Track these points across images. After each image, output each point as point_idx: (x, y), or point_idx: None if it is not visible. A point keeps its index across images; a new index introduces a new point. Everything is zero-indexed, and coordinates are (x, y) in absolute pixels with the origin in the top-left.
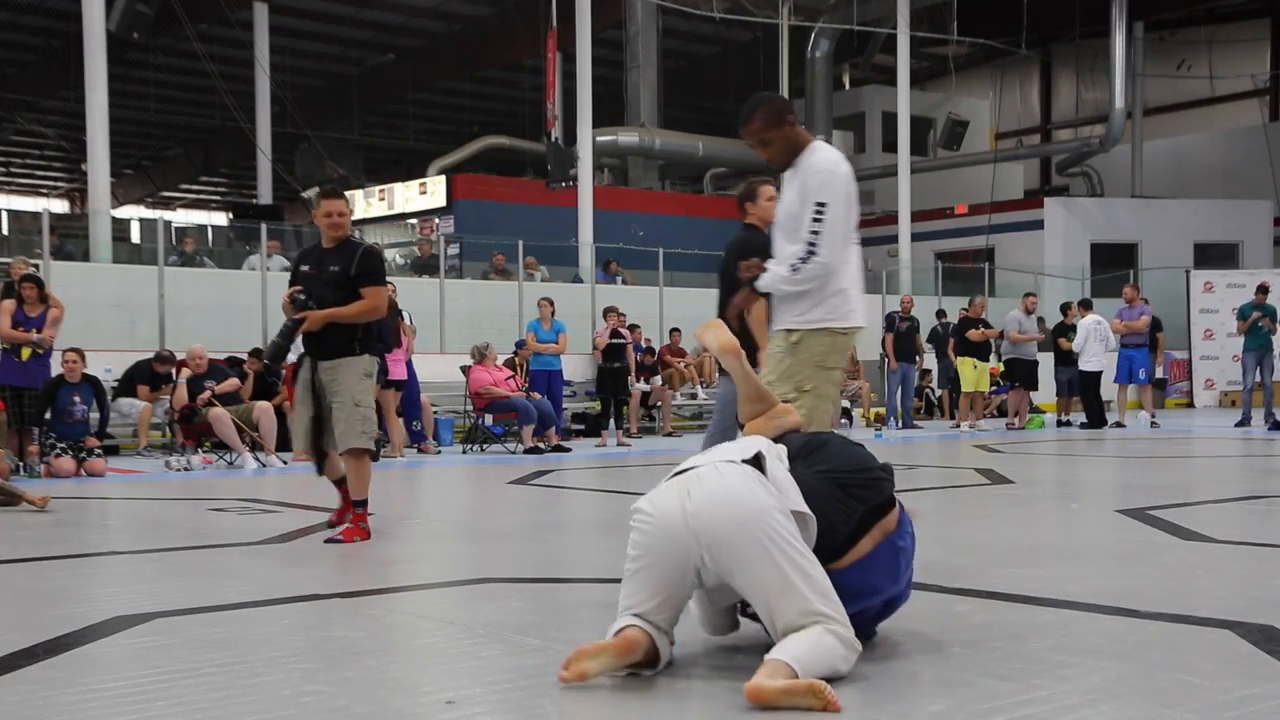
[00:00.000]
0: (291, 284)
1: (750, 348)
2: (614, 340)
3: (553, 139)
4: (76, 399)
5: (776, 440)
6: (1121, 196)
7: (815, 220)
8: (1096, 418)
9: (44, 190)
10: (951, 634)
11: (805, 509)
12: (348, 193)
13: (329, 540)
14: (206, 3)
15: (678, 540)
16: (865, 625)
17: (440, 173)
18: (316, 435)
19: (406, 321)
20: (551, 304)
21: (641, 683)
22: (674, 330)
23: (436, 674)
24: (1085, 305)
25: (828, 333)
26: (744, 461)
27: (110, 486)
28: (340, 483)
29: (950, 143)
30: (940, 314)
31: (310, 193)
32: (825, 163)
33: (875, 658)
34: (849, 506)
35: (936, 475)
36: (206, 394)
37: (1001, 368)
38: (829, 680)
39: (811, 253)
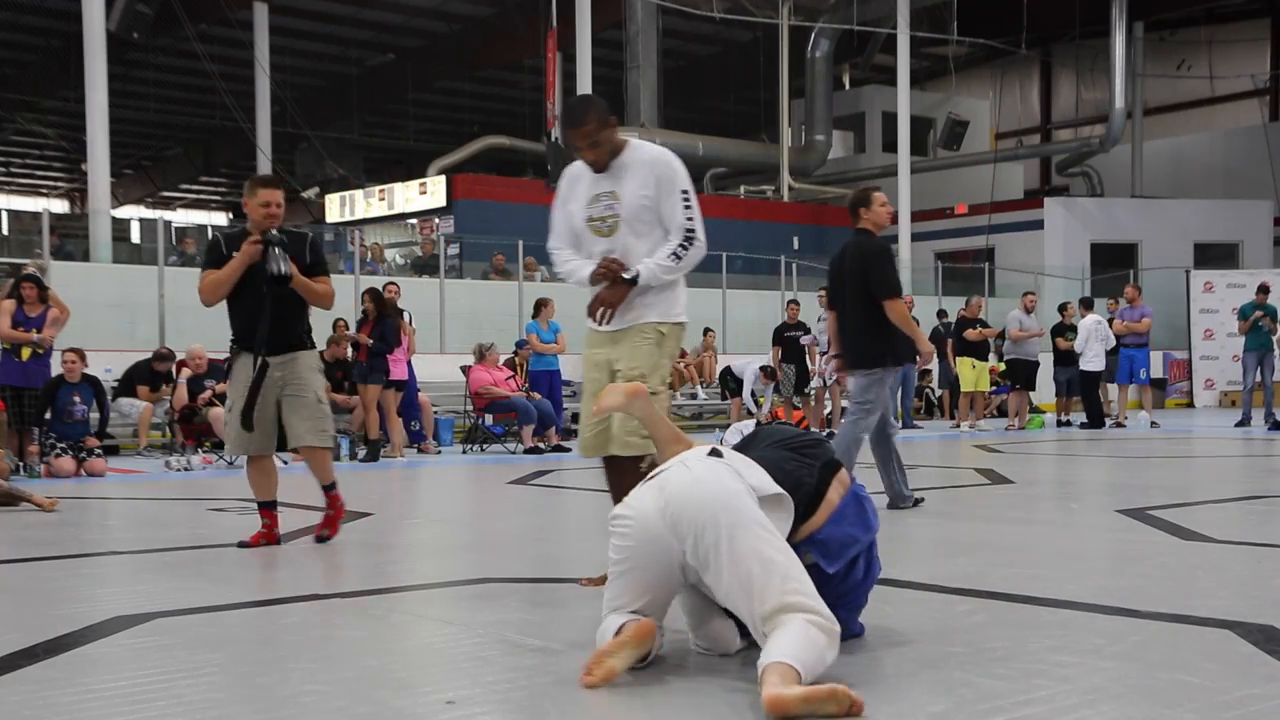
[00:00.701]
0: (209, 267)
1: (908, 343)
2: None
3: (553, 139)
4: (76, 399)
5: None
6: (1121, 196)
7: (686, 207)
8: (1096, 418)
9: (44, 190)
10: (951, 634)
11: (776, 489)
12: (347, 193)
13: (319, 539)
14: (206, 3)
15: (658, 539)
16: (857, 591)
17: (440, 173)
18: (264, 434)
19: (407, 321)
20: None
21: (638, 681)
22: None
23: (436, 674)
24: (1086, 305)
25: (681, 327)
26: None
27: (110, 486)
28: (267, 506)
29: (950, 143)
30: (941, 314)
31: (310, 192)
32: (664, 154)
33: (875, 657)
34: (807, 463)
35: (936, 475)
36: (207, 394)
37: (1002, 367)
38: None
39: (691, 238)
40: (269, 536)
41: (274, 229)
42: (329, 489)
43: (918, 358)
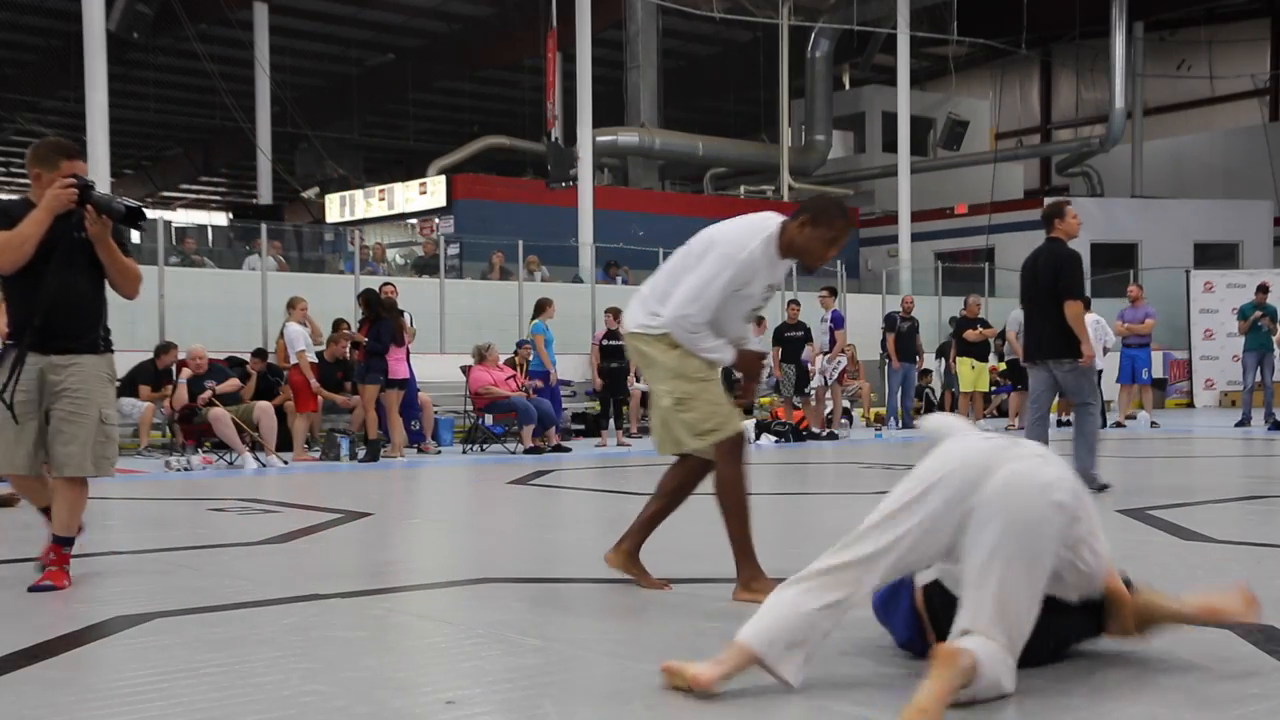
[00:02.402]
0: None
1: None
2: (609, 342)
3: (553, 139)
4: None
5: None
6: (1121, 196)
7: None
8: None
9: None
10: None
11: (1090, 567)
12: (347, 193)
13: (33, 589)
14: (206, 3)
15: (970, 482)
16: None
17: (440, 173)
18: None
19: (407, 322)
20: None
21: (642, 680)
22: None
23: (436, 674)
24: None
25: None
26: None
27: (110, 486)
28: (49, 510)
29: (950, 143)
30: (954, 321)
31: (310, 192)
32: None
33: (876, 658)
34: None
35: None
36: (207, 394)
37: (1002, 367)
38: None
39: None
40: (62, 575)
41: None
42: (63, 542)
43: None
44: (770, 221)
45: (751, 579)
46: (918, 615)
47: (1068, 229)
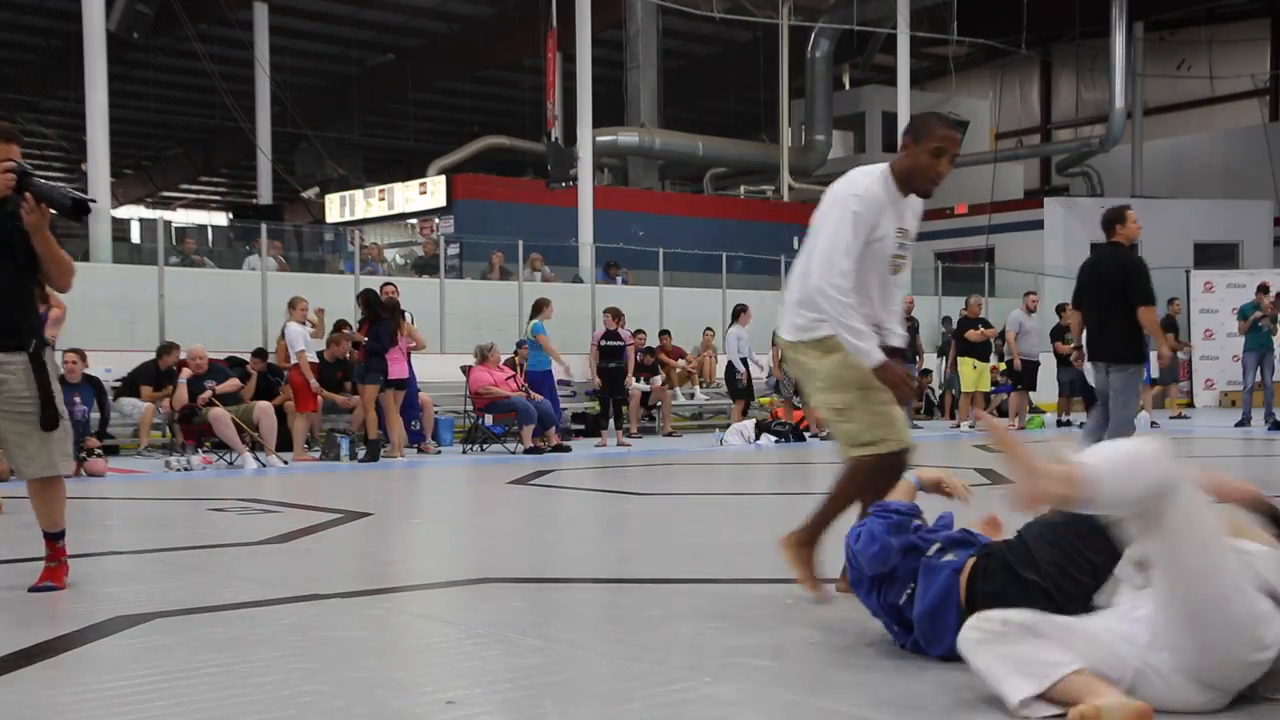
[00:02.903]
0: None
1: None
2: (608, 343)
3: (553, 139)
4: (77, 400)
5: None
6: (1121, 196)
7: None
8: None
9: None
10: None
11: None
12: (347, 193)
13: (34, 589)
14: (206, 3)
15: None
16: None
17: (440, 173)
18: None
19: (408, 321)
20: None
21: (642, 680)
22: (664, 333)
23: (436, 674)
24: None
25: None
26: None
27: (110, 486)
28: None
29: None
30: (947, 321)
31: (310, 192)
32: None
33: (876, 656)
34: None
35: None
36: (207, 394)
37: (1003, 367)
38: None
39: None
40: (62, 570)
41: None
42: (55, 538)
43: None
44: (879, 166)
45: (800, 543)
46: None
47: (1129, 233)
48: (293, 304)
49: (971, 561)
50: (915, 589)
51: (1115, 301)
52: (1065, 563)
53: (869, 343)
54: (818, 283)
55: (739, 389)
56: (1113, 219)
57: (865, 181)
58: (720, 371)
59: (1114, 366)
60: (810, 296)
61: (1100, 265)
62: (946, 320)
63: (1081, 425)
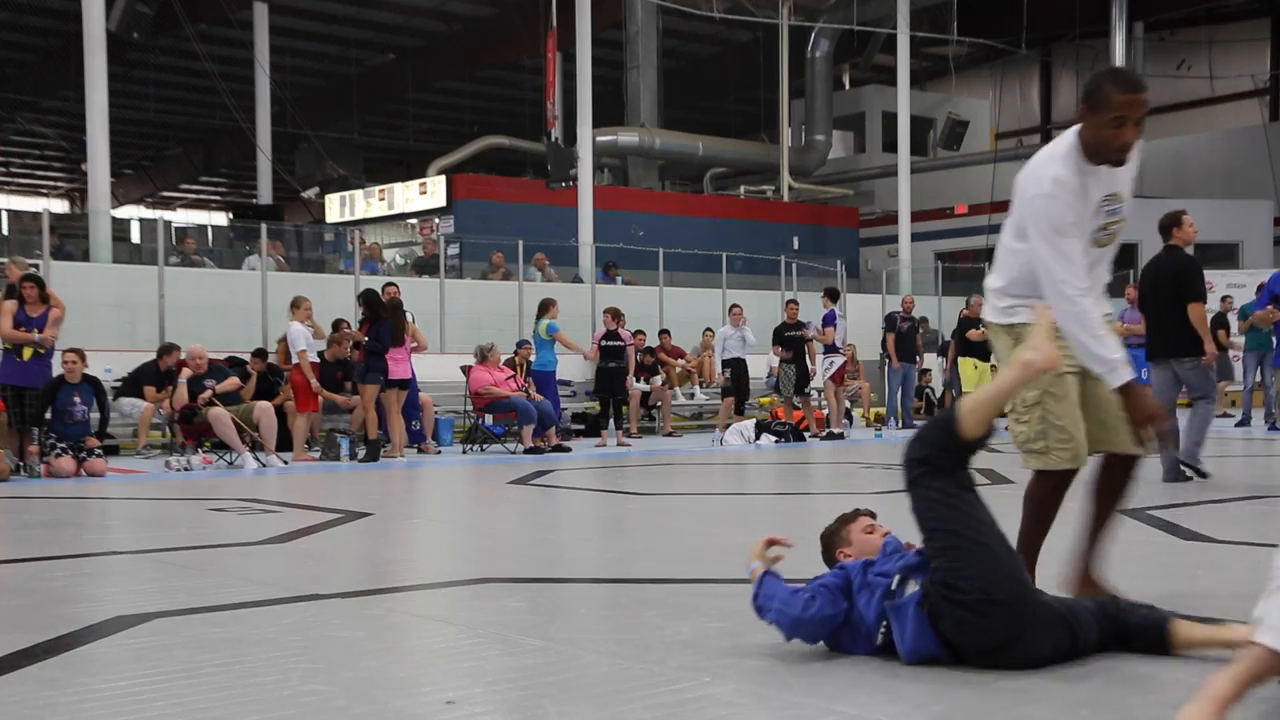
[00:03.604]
0: None
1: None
2: (607, 343)
3: (553, 139)
4: (77, 399)
5: None
6: None
7: None
8: None
9: (44, 190)
10: None
11: None
12: (347, 193)
13: None
14: (206, 3)
15: None
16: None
17: (440, 173)
18: None
19: (410, 321)
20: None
21: (642, 680)
22: (664, 332)
23: (436, 674)
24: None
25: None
26: None
27: (110, 486)
28: None
29: (950, 143)
30: (924, 322)
31: (310, 192)
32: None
33: (874, 657)
34: None
35: None
36: (207, 394)
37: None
38: None
39: None
40: None
41: None
42: None
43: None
44: (1066, 137)
45: (1078, 580)
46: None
47: (1185, 236)
48: (297, 303)
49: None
50: (889, 629)
51: (1171, 302)
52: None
53: (1110, 352)
54: (1053, 296)
55: (725, 387)
56: (1169, 223)
57: (1049, 175)
58: (719, 371)
59: (1175, 360)
60: (1007, 288)
61: (1158, 269)
62: (924, 321)
63: None
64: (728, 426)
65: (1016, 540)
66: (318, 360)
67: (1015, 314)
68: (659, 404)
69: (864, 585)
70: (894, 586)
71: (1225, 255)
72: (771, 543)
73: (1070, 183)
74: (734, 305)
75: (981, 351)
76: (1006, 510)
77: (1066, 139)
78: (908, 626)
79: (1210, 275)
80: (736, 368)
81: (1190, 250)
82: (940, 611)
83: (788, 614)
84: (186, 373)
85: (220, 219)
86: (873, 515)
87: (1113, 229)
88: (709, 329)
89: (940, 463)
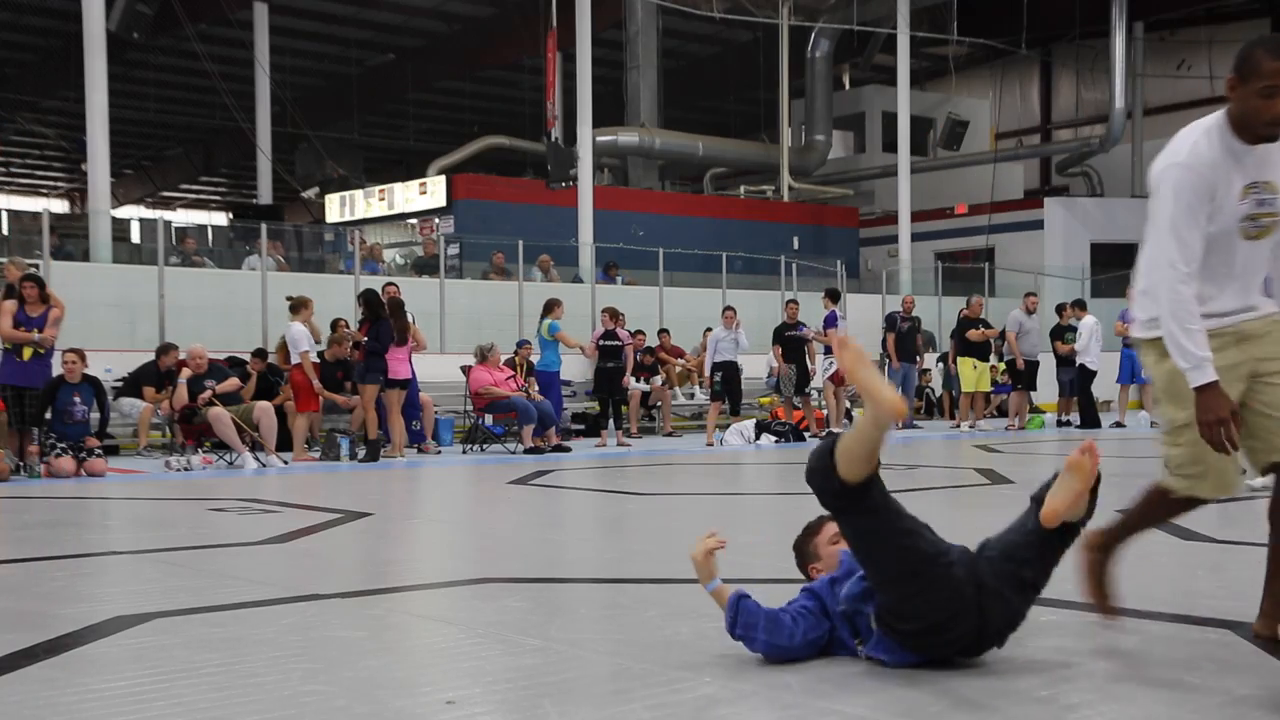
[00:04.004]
0: None
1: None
2: (606, 343)
3: (553, 139)
4: (77, 399)
5: None
6: (1121, 196)
7: None
8: (1092, 420)
9: (44, 190)
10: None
11: None
12: (347, 193)
13: None
14: (206, 3)
15: None
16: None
17: (440, 173)
18: None
19: (411, 321)
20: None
21: (642, 680)
22: (663, 331)
23: (436, 674)
24: (1080, 306)
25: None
26: None
27: (110, 486)
28: None
29: (950, 143)
30: (914, 320)
31: (310, 192)
32: None
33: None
34: None
35: (937, 475)
36: (207, 394)
37: (1003, 367)
38: None
39: None
40: None
41: None
42: None
43: None
44: (1215, 114)
45: (1094, 546)
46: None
47: None
48: (304, 303)
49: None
50: (872, 640)
51: None
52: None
53: (1196, 348)
54: (1156, 274)
55: (715, 390)
56: None
57: (1188, 143)
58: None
59: None
60: (1152, 287)
61: None
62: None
63: (1079, 425)
64: (716, 430)
65: (1120, 521)
66: (318, 360)
67: (1158, 326)
68: (659, 404)
69: (835, 606)
70: (853, 616)
71: None
72: (710, 551)
73: (1209, 156)
74: (728, 307)
75: (981, 351)
76: (1007, 510)
77: (1215, 114)
78: (880, 651)
79: None
80: (728, 371)
81: None
82: (896, 638)
83: (777, 646)
84: (186, 373)
85: (220, 219)
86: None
87: (1264, 221)
88: (710, 329)
89: (838, 505)
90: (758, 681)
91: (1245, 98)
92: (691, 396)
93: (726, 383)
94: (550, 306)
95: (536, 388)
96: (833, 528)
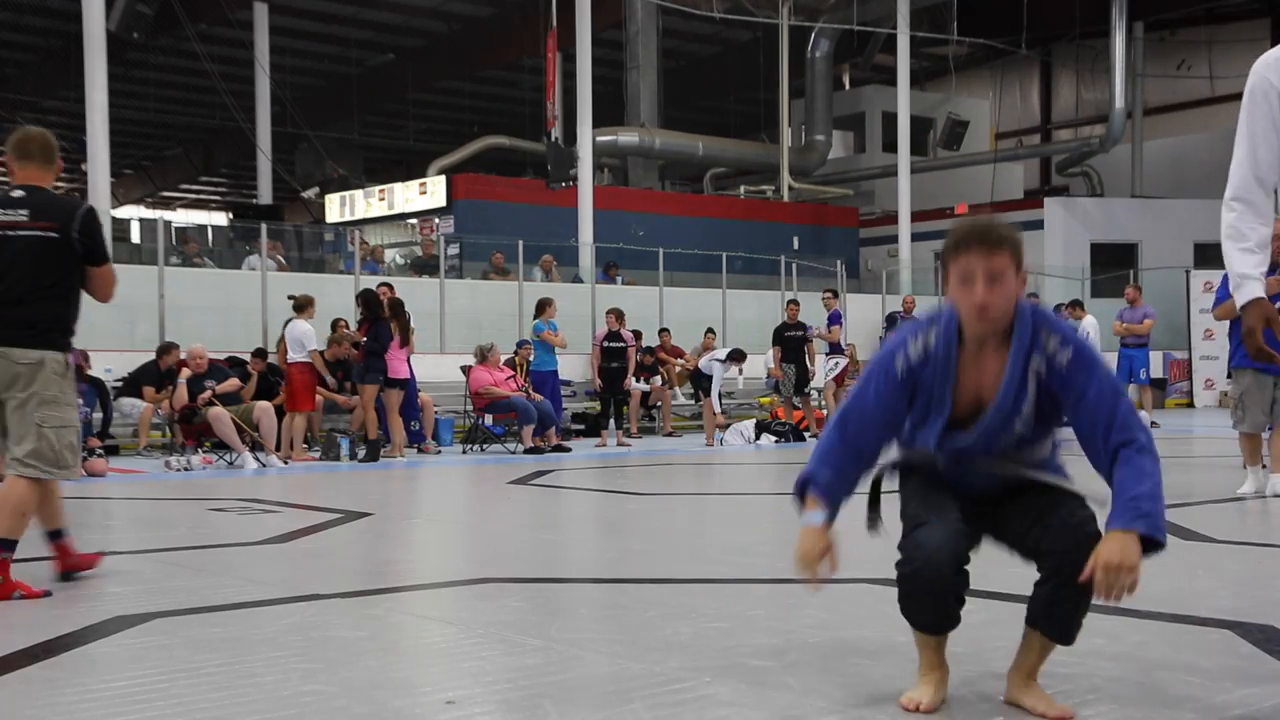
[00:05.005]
0: None
1: None
2: (610, 344)
3: (553, 139)
4: (79, 400)
5: None
6: (1121, 196)
7: None
8: None
9: None
10: (951, 634)
11: None
12: (347, 193)
13: (65, 578)
14: (206, 3)
15: None
16: None
17: (440, 173)
18: None
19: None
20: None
21: (642, 680)
22: (663, 331)
23: (436, 674)
24: (1079, 306)
25: None
26: None
27: (110, 486)
28: (56, 536)
29: (950, 143)
30: (891, 318)
31: (310, 192)
32: None
33: (875, 658)
34: None
35: None
36: (207, 394)
37: None
38: None
39: None
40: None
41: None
42: (55, 535)
43: None
44: None
45: None
46: None
47: None
48: (309, 302)
49: None
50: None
51: None
52: None
53: (1248, 267)
54: (1228, 189)
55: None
56: None
57: (1276, 53)
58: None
59: None
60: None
61: None
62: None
63: None
64: (716, 430)
65: None
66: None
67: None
68: (659, 404)
69: None
70: None
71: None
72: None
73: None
74: (709, 329)
75: None
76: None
77: None
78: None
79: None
80: (697, 376)
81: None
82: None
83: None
84: (186, 373)
85: (220, 219)
86: None
87: None
88: (710, 329)
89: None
90: (758, 682)
91: None
92: (694, 399)
93: (697, 383)
94: (541, 307)
95: (532, 388)
96: None
